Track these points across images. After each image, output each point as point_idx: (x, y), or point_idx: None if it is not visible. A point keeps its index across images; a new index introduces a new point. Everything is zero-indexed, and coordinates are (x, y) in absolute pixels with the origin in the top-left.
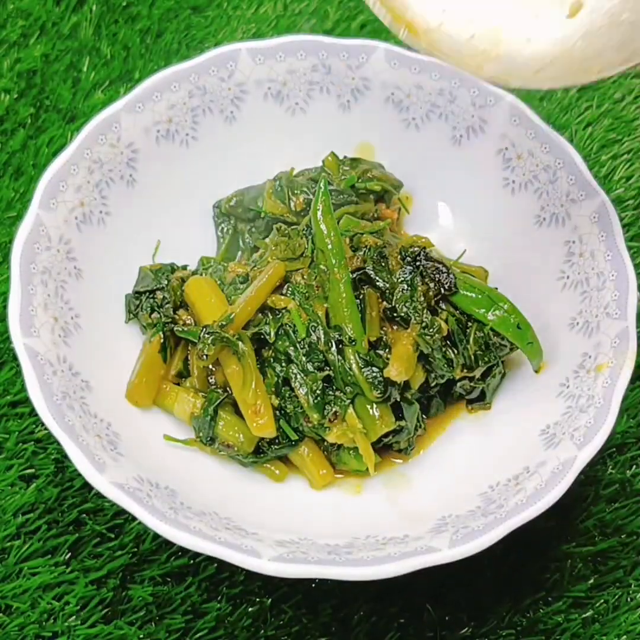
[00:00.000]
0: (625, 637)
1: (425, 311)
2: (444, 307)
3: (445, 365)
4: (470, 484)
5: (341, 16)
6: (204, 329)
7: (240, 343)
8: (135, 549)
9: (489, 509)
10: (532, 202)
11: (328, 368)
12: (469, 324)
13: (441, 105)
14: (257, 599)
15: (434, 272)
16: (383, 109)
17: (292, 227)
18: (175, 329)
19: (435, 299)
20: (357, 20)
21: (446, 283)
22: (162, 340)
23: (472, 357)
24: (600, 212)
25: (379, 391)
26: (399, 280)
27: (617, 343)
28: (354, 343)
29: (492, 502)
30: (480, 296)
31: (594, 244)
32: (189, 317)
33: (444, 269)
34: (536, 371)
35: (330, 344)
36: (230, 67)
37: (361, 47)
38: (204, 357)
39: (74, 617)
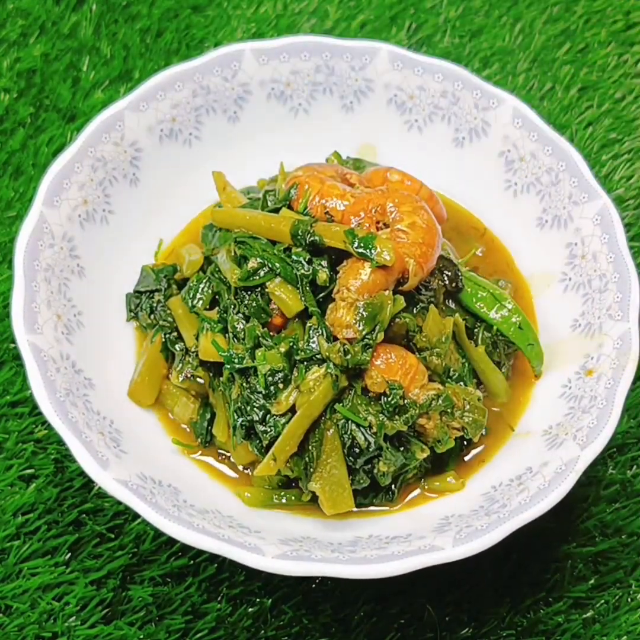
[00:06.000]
0: (625, 637)
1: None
2: (453, 307)
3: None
4: (473, 484)
5: (341, 15)
6: (186, 350)
7: (218, 378)
8: (135, 550)
9: (492, 509)
10: (534, 204)
11: None
12: (477, 324)
13: (444, 108)
14: (257, 600)
15: (443, 269)
16: (385, 110)
17: None
18: (166, 337)
19: (443, 295)
20: (357, 19)
21: (454, 281)
22: (163, 340)
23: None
24: (603, 214)
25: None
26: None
27: (620, 344)
28: None
29: (495, 502)
30: (485, 294)
31: (596, 246)
32: None
33: (452, 266)
34: (536, 376)
35: None
36: (234, 67)
37: (364, 49)
38: (191, 377)
39: (73, 617)
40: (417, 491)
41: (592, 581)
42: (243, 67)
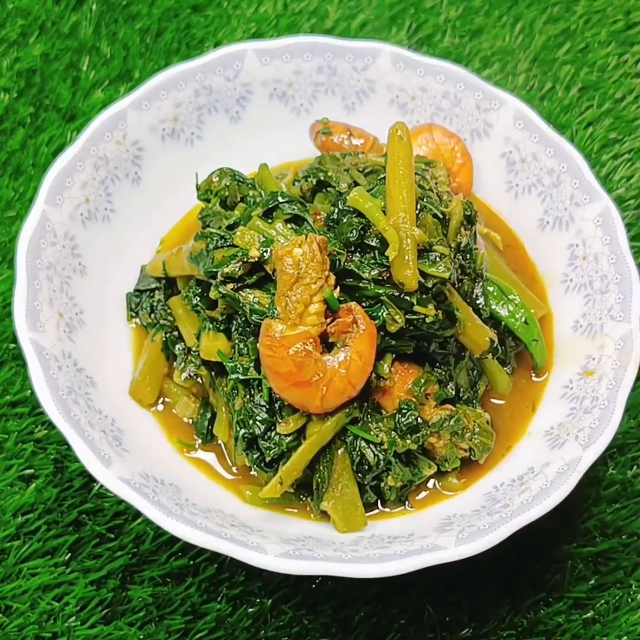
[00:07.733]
0: (625, 638)
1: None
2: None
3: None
4: (475, 484)
5: (341, 15)
6: (188, 349)
7: (219, 377)
8: (135, 550)
9: (494, 509)
10: (536, 205)
11: None
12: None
13: (445, 109)
14: (257, 600)
15: None
16: (387, 111)
17: None
18: (167, 336)
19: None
20: (357, 19)
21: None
22: (164, 340)
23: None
24: (604, 216)
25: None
26: None
27: (621, 345)
28: None
29: (497, 502)
30: (492, 288)
31: (598, 247)
32: None
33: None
34: (539, 373)
35: None
36: (236, 67)
37: (367, 49)
38: (193, 375)
39: (73, 617)
40: (420, 491)
41: (592, 581)
42: (245, 67)
